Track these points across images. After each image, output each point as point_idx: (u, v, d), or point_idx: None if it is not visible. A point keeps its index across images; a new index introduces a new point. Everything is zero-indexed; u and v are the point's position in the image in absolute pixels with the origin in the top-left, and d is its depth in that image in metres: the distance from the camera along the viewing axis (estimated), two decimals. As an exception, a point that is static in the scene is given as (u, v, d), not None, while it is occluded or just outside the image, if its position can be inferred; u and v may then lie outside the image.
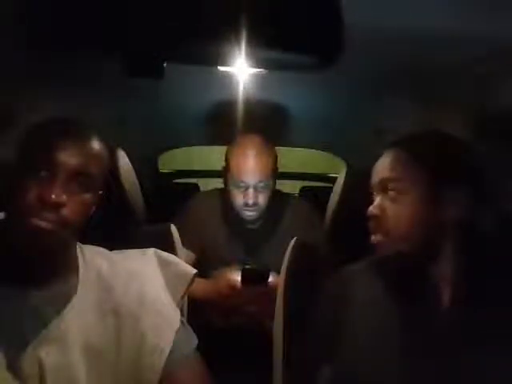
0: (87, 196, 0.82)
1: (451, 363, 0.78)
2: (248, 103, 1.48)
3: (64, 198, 0.77)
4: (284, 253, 1.29)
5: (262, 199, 1.51)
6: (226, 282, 1.47)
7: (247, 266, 1.44)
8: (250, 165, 1.47)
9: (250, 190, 1.48)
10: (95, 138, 0.85)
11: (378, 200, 0.88)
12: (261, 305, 1.44)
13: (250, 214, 1.52)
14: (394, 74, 1.09)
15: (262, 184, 1.49)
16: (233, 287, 1.45)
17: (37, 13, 0.68)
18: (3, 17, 0.78)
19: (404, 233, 0.84)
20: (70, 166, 0.79)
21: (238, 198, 1.51)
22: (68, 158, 0.79)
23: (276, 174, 1.57)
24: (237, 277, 1.45)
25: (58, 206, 0.77)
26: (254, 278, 1.43)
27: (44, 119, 0.85)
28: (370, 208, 0.88)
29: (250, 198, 1.48)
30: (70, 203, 0.79)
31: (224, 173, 1.59)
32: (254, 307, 1.47)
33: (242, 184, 1.49)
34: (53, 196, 0.76)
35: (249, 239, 1.61)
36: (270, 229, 1.61)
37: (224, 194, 1.62)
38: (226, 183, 1.59)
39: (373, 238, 0.88)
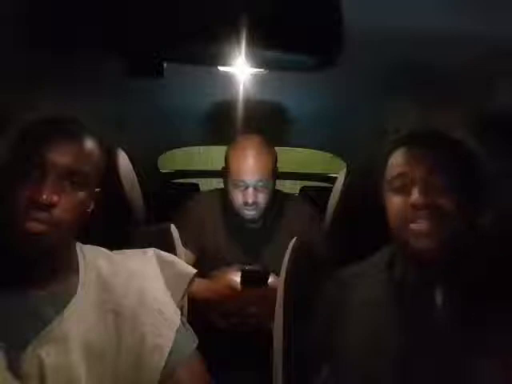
0: (81, 195, 0.81)
1: (449, 364, 0.78)
2: (248, 103, 1.48)
3: (55, 197, 0.76)
4: (284, 253, 1.29)
5: (262, 198, 1.50)
6: (225, 283, 1.47)
7: (247, 268, 1.44)
8: (249, 164, 1.47)
9: (250, 189, 1.48)
10: (87, 135, 0.84)
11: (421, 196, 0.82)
12: (260, 306, 1.44)
13: (249, 213, 1.52)
14: (394, 74, 1.09)
15: (261, 183, 1.48)
16: (233, 288, 1.45)
17: (37, 13, 0.68)
18: (3, 17, 0.78)
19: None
20: (61, 164, 0.78)
21: (238, 198, 1.50)
22: (58, 156, 0.79)
23: (276, 174, 1.57)
24: (237, 278, 1.45)
25: (49, 205, 0.76)
26: (254, 279, 1.43)
27: (34, 118, 0.84)
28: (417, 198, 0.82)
29: (249, 198, 1.48)
30: (63, 203, 0.78)
31: (224, 173, 1.59)
32: (254, 308, 1.46)
33: (241, 184, 1.49)
34: (44, 196, 0.75)
35: (249, 239, 1.61)
36: (270, 229, 1.61)
37: (224, 194, 1.62)
38: (225, 183, 1.59)
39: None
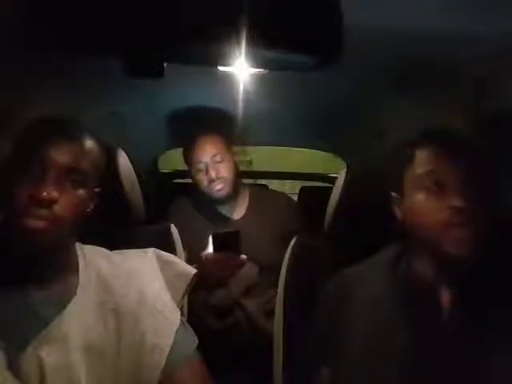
0: (80, 193, 0.83)
1: (451, 364, 0.78)
2: (248, 103, 1.48)
3: (55, 194, 0.77)
4: (265, 244, 1.36)
5: (224, 171, 1.57)
6: (200, 258, 1.45)
7: (217, 231, 1.41)
8: (202, 147, 1.58)
9: (209, 165, 1.56)
10: (87, 135, 0.86)
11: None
12: (235, 273, 1.44)
13: (217, 187, 1.56)
14: (393, 73, 1.09)
15: (217, 157, 1.56)
16: (208, 259, 1.43)
17: (37, 13, 0.68)
18: (3, 17, 0.78)
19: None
20: (61, 162, 0.80)
21: (203, 180, 1.57)
22: (59, 155, 0.80)
23: (233, 153, 1.63)
24: (209, 248, 1.42)
25: (49, 202, 0.77)
26: (225, 241, 1.40)
27: (35, 118, 0.85)
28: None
29: (211, 173, 1.55)
30: (63, 200, 0.79)
31: (189, 173, 1.65)
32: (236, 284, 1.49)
33: (201, 166, 1.57)
34: (44, 193, 0.76)
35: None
36: (249, 221, 1.64)
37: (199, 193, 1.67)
38: (193, 180, 1.64)
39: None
